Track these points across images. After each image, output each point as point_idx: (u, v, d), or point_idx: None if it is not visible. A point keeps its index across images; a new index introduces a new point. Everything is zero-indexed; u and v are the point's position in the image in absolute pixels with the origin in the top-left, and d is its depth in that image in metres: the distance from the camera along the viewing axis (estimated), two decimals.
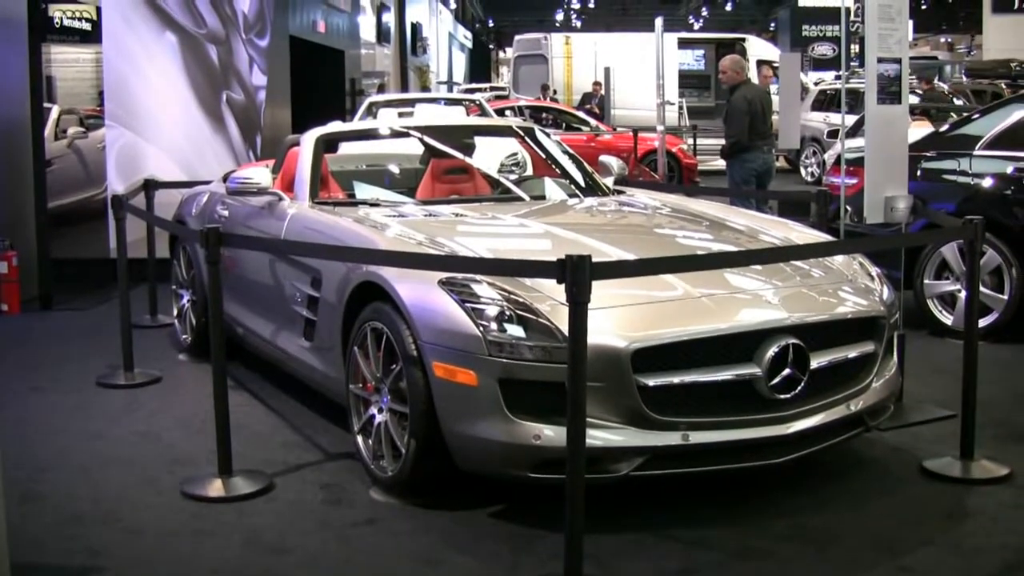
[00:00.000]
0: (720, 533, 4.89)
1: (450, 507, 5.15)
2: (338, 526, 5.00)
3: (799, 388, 4.98)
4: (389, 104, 15.68)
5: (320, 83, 19.66)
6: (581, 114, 23.09)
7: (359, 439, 5.51)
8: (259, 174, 6.86)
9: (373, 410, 5.41)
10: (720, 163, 13.87)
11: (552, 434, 4.64)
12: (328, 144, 7.39)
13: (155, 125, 11.33)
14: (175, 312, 8.44)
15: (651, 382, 4.74)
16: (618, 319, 4.82)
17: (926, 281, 8.67)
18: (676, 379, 4.80)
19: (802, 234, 6.32)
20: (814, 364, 5.04)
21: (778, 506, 5.19)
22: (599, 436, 4.66)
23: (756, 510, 5.14)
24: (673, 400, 4.81)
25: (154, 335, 8.89)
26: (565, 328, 4.23)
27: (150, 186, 9.54)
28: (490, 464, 4.89)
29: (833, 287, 5.58)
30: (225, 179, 7.70)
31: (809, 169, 22.83)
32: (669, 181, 17.93)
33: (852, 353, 5.33)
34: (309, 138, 7.17)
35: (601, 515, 4.93)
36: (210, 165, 11.14)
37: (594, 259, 4.17)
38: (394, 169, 8.16)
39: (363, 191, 7.12)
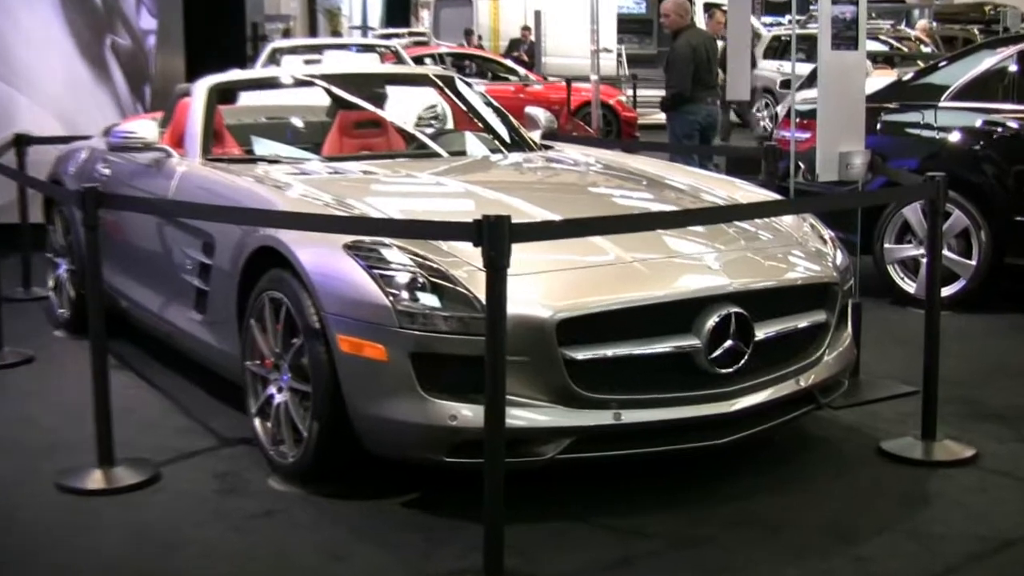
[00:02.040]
0: (658, 521, 4.94)
1: (358, 496, 5.17)
2: (234, 518, 5.00)
3: (742, 362, 5.03)
4: (294, 51, 15.57)
5: (217, 27, 19.46)
6: (508, 62, 23.07)
7: (256, 422, 5.51)
8: (144, 128, 6.81)
9: (272, 389, 5.40)
10: (661, 116, 13.91)
11: (470, 414, 4.67)
12: (223, 94, 7.35)
13: (28, 74, 11.18)
14: (51, 284, 8.36)
15: (579, 356, 4.78)
16: (542, 286, 4.84)
17: (886, 245, 8.76)
18: (607, 352, 4.84)
19: (748, 193, 6.38)
20: (759, 335, 5.10)
21: (721, 491, 5.25)
22: (522, 416, 4.70)
23: (697, 496, 5.20)
24: (604, 375, 4.85)
25: (27, 309, 8.79)
26: (484, 297, 4.26)
27: (22, 142, 9.40)
28: (402, 448, 4.91)
29: (781, 251, 5.64)
30: (107, 133, 7.64)
31: (761, 123, 22.97)
32: (605, 136, 17.97)
33: (802, 323, 5.39)
34: (201, 87, 7.12)
35: (526, 503, 4.96)
36: (92, 118, 10.98)
37: (515, 220, 4.20)
38: (298, 122, 8.12)
39: (262, 147, 7.08)
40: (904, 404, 6.37)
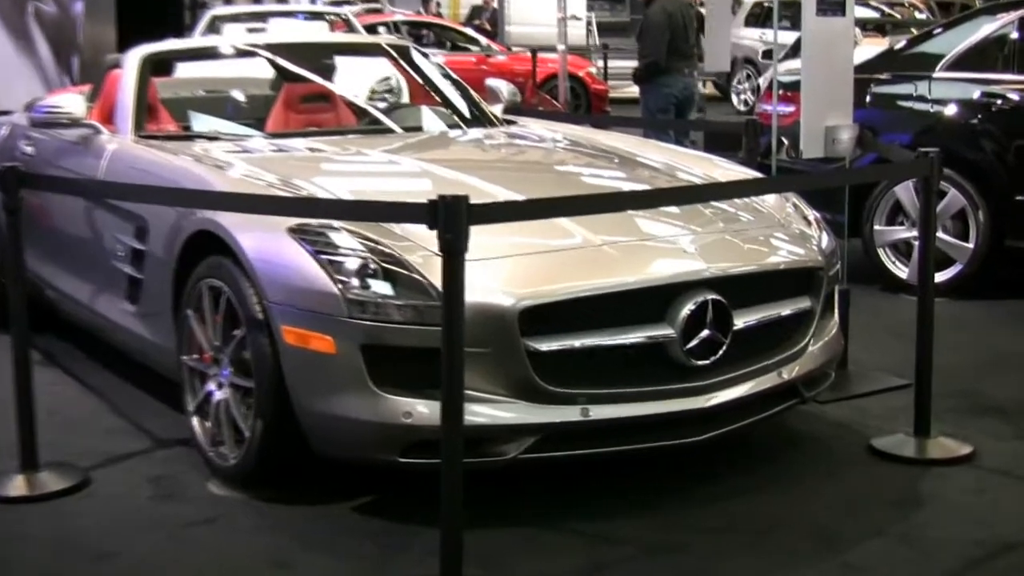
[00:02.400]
0: (630, 525, 4.95)
1: (305, 501, 5.17)
2: (170, 526, 4.98)
3: (720, 353, 5.04)
4: (236, 18, 15.57)
5: None
6: (469, 31, 23.06)
7: (195, 421, 5.49)
8: (71, 102, 6.78)
9: (211, 386, 5.39)
10: (634, 89, 13.93)
11: (426, 411, 4.67)
12: (158, 65, 7.32)
13: None
14: None
15: (544, 347, 4.79)
16: (503, 272, 4.85)
17: (876, 227, 8.80)
18: (574, 343, 4.85)
19: (727, 171, 6.41)
20: (738, 324, 5.11)
21: (698, 493, 5.26)
22: (482, 412, 4.70)
23: (672, 498, 5.21)
24: (571, 368, 4.86)
25: None
26: (440, 284, 4.25)
27: None
28: (352, 447, 4.91)
29: (762, 233, 5.66)
30: (30, 108, 7.60)
31: (742, 96, 23.01)
32: (573, 110, 17.98)
33: (784, 311, 5.41)
34: (134, 57, 7.09)
35: (486, 507, 4.97)
36: (14, 92, 10.94)
37: (475, 200, 4.19)
38: (239, 96, 8.10)
39: (200, 123, 7.07)
40: (896, 398, 6.39)
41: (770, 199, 5.95)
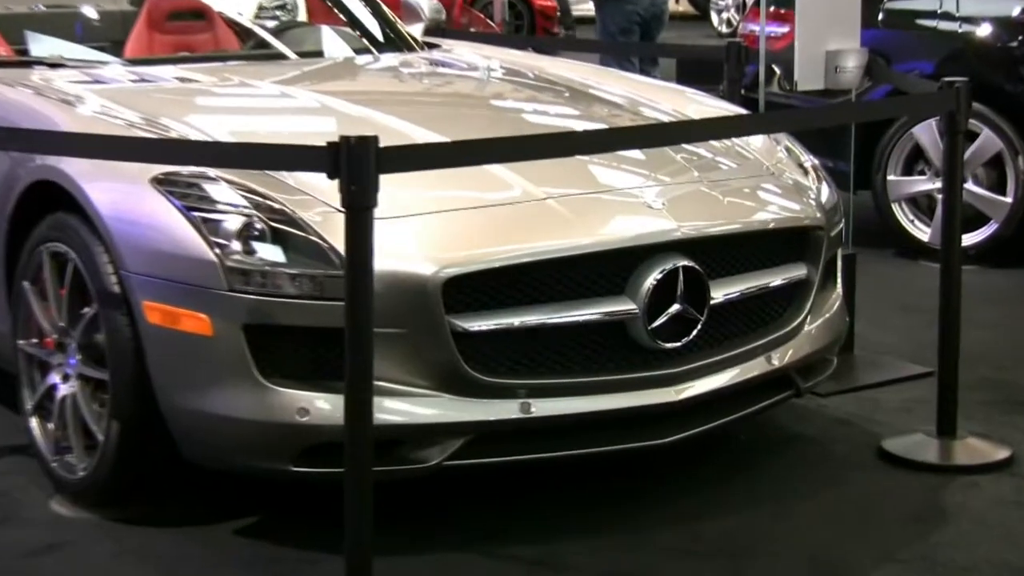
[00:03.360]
0: (577, 548, 4.96)
1: (175, 522, 5.16)
2: (3, 556, 4.95)
3: (694, 333, 5.07)
4: None
5: None
6: None
7: (33, 423, 5.46)
8: None
9: (55, 378, 5.37)
10: (588, 6, 13.95)
11: (326, 407, 4.67)
12: None
13: None
14: None
15: (475, 327, 4.78)
16: (423, 233, 4.84)
17: (890, 177, 8.84)
18: (512, 322, 4.85)
19: (704, 107, 6.44)
20: (716, 297, 5.14)
21: (666, 508, 5.29)
22: (397, 409, 4.71)
23: (633, 514, 5.23)
24: (508, 353, 4.88)
25: None
26: (343, 248, 4.24)
27: None
28: (234, 454, 4.90)
29: (747, 185, 5.69)
30: None
31: (723, 15, 23.06)
32: (514, 32, 17.98)
33: (775, 281, 5.45)
34: None
35: (403, 526, 4.99)
36: None
37: (386, 142, 4.18)
38: (90, 12, 8.07)
39: (40, 46, 7.01)
40: (913, 389, 6.46)
41: (757, 142, 5.97)
